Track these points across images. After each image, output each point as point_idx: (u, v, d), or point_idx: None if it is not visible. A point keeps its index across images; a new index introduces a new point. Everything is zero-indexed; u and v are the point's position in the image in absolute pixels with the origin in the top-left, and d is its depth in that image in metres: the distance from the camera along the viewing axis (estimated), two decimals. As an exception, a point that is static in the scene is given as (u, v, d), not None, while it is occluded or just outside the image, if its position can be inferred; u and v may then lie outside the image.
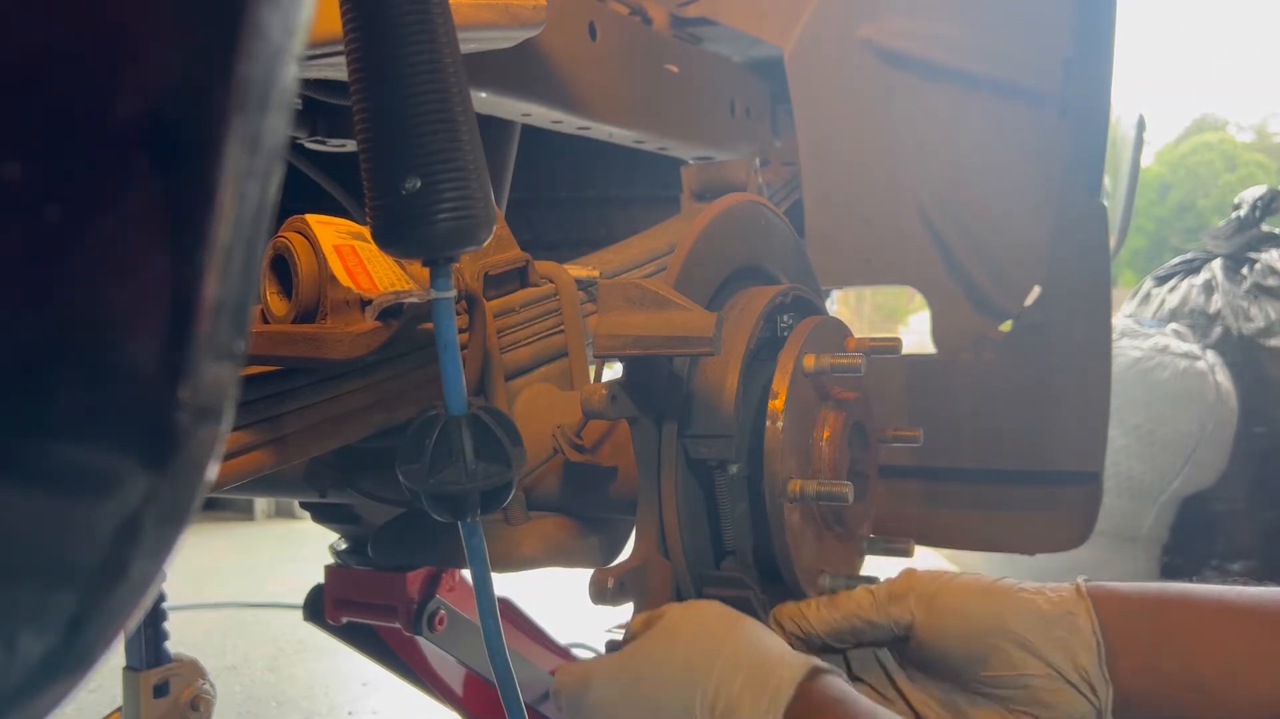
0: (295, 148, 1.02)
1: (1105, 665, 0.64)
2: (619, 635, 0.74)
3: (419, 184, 0.59)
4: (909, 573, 0.71)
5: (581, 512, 0.86)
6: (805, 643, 0.71)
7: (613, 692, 0.65)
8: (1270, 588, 0.66)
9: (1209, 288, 3.10)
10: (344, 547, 1.19)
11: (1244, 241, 3.09)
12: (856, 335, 0.88)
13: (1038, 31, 1.30)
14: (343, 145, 1.00)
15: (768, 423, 0.77)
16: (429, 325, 0.72)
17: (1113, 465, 2.75)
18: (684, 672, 0.62)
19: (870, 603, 0.68)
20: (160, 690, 1.21)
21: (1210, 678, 0.63)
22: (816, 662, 0.61)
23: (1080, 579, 0.68)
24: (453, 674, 1.31)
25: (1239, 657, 0.63)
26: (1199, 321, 3.04)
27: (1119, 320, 3.05)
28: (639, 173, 1.67)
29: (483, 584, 0.69)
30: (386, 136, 0.59)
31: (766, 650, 0.61)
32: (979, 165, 1.33)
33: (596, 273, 1.01)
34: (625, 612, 0.77)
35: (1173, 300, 3.16)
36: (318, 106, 0.96)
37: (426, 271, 0.65)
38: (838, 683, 0.60)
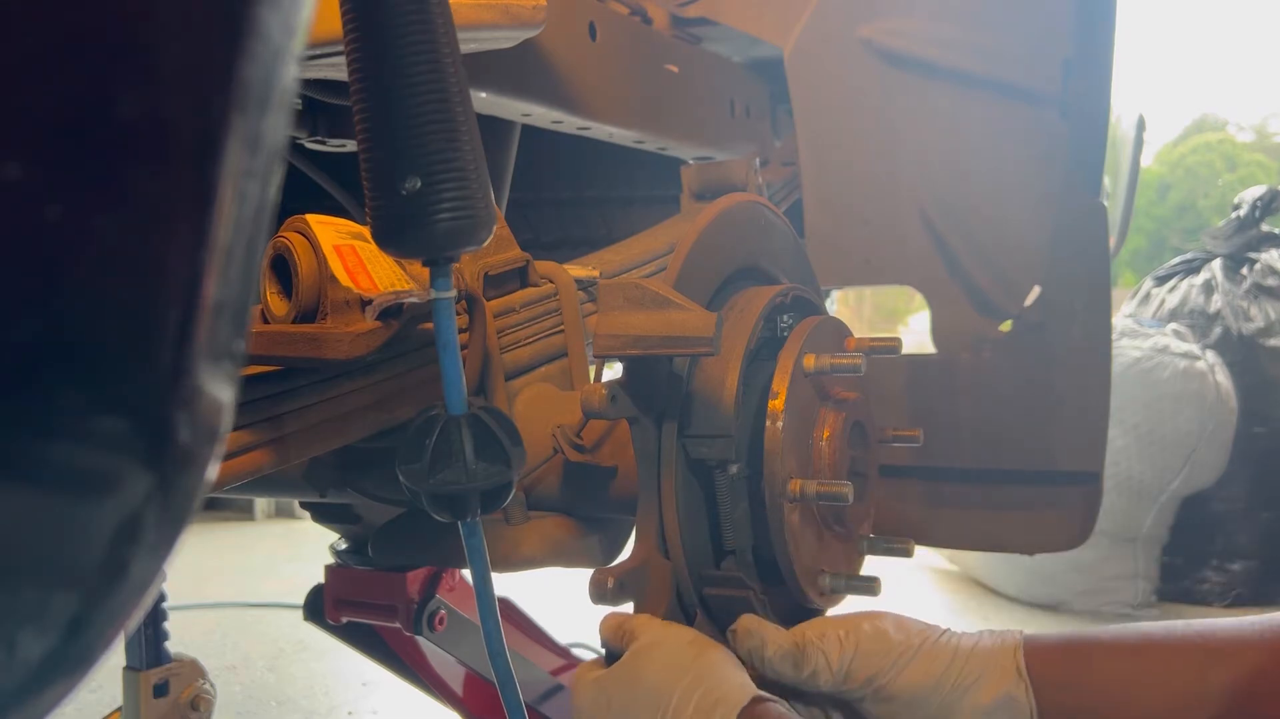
0: (295, 148, 1.02)
1: None
2: None
3: (419, 184, 0.59)
4: (862, 649, 0.72)
5: (581, 512, 0.86)
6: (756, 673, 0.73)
7: (593, 706, 0.71)
8: (1194, 622, 0.70)
9: (1209, 288, 3.10)
10: (344, 547, 1.19)
11: (1244, 241, 3.09)
12: (856, 335, 0.88)
13: (1038, 31, 1.29)
14: (343, 145, 1.00)
15: (768, 423, 0.77)
16: (429, 325, 0.72)
17: (1113, 465, 2.75)
18: (649, 697, 0.67)
19: (828, 673, 0.72)
20: (160, 690, 1.21)
21: None
22: (758, 692, 0.66)
23: (1017, 634, 0.72)
24: (453, 674, 1.31)
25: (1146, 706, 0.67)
26: (1199, 321, 3.04)
27: (1119, 320, 3.05)
28: (639, 173, 1.67)
29: (483, 584, 0.69)
30: (386, 137, 0.59)
31: (720, 682, 0.66)
32: (979, 165, 1.33)
33: (596, 273, 1.01)
34: (625, 612, 0.77)
35: (1173, 300, 3.16)
36: (318, 106, 0.96)
37: (426, 272, 0.65)
38: (778, 709, 0.65)
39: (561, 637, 1.55)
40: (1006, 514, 1.38)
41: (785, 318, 0.86)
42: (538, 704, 1.34)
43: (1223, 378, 2.84)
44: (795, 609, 0.82)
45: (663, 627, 0.72)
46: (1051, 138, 1.29)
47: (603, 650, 0.76)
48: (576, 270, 0.99)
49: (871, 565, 0.90)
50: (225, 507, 4.20)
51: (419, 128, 0.58)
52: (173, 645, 1.25)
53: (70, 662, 0.29)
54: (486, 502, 0.67)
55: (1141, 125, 2.16)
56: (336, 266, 0.73)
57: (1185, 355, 2.82)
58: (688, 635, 0.71)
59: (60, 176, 0.24)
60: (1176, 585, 2.89)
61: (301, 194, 1.08)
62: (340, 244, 0.75)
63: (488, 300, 0.85)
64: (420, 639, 1.20)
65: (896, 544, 0.90)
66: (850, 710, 0.74)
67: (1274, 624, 0.67)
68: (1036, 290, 1.32)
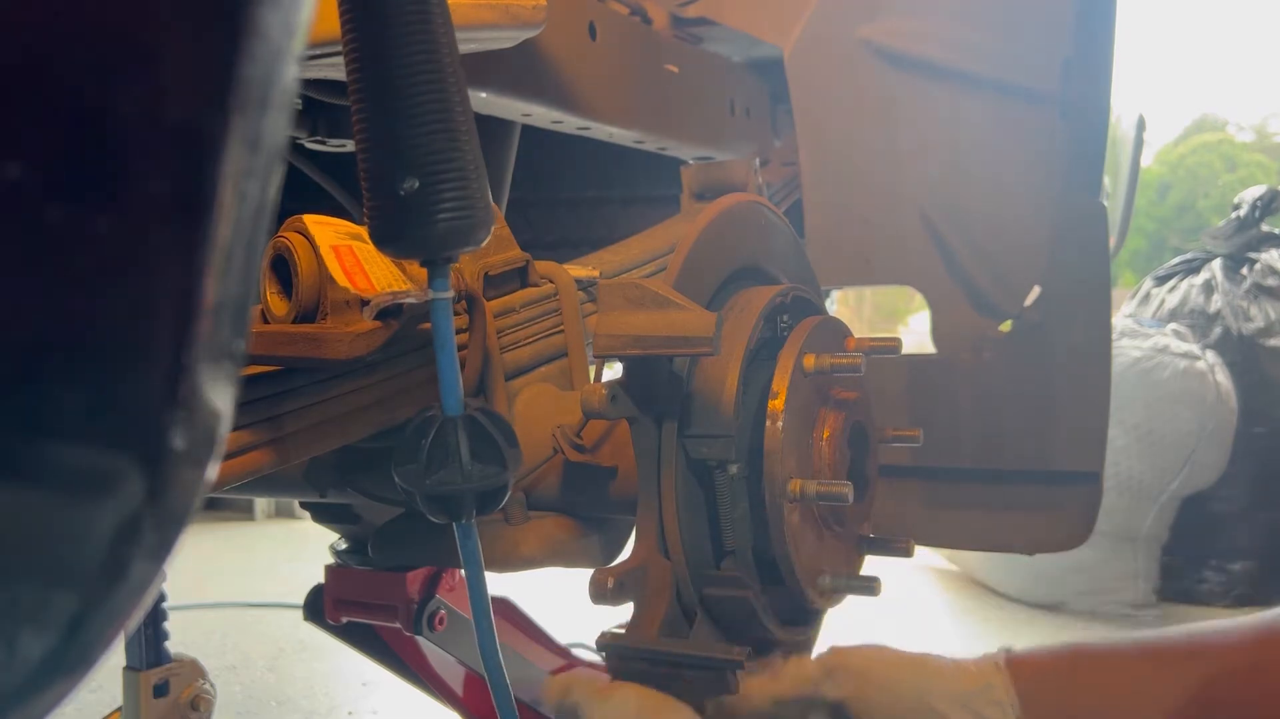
0: (295, 148, 1.02)
1: None
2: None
3: (417, 184, 0.59)
4: (840, 650, 0.75)
5: (581, 512, 0.86)
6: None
7: None
8: (1184, 626, 0.71)
9: (1209, 288, 3.10)
10: (344, 547, 1.19)
11: (1244, 241, 3.09)
12: (856, 335, 0.88)
13: (1038, 31, 1.30)
14: (343, 145, 1.00)
15: (767, 423, 0.77)
16: (428, 325, 0.72)
17: (1113, 465, 2.75)
18: None
19: (809, 677, 0.73)
20: (160, 690, 1.21)
21: None
22: None
23: (1002, 650, 0.74)
24: (453, 674, 1.31)
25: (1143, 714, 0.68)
26: (1199, 321, 3.04)
27: (1119, 320, 3.05)
28: (639, 173, 1.67)
29: (477, 586, 0.69)
30: (385, 137, 0.59)
31: None
32: (979, 165, 1.33)
33: (596, 273, 1.01)
34: (625, 611, 0.77)
35: (1173, 300, 3.16)
36: (318, 106, 0.96)
37: (425, 272, 0.65)
38: None
39: (561, 637, 1.55)
40: (1006, 514, 1.38)
41: (785, 318, 0.86)
42: (537, 704, 1.34)
43: (1223, 378, 2.84)
44: (795, 609, 0.82)
45: (609, 698, 0.70)
46: (1051, 138, 1.29)
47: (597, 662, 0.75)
48: (576, 270, 0.99)
49: (871, 565, 0.90)
50: (225, 507, 4.20)
51: (418, 128, 0.58)
52: (173, 645, 1.25)
53: (70, 662, 0.29)
54: (482, 503, 0.67)
55: (1141, 125, 2.16)
56: (334, 267, 0.73)
57: (1185, 355, 2.82)
58: (635, 707, 0.69)
59: (60, 177, 0.24)
60: (1176, 585, 2.89)
61: (301, 194, 1.08)
62: (338, 244, 0.75)
63: (488, 300, 0.85)
64: (420, 639, 1.20)
65: (896, 544, 0.90)
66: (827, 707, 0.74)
67: (1257, 624, 0.68)
68: (1036, 290, 1.32)
